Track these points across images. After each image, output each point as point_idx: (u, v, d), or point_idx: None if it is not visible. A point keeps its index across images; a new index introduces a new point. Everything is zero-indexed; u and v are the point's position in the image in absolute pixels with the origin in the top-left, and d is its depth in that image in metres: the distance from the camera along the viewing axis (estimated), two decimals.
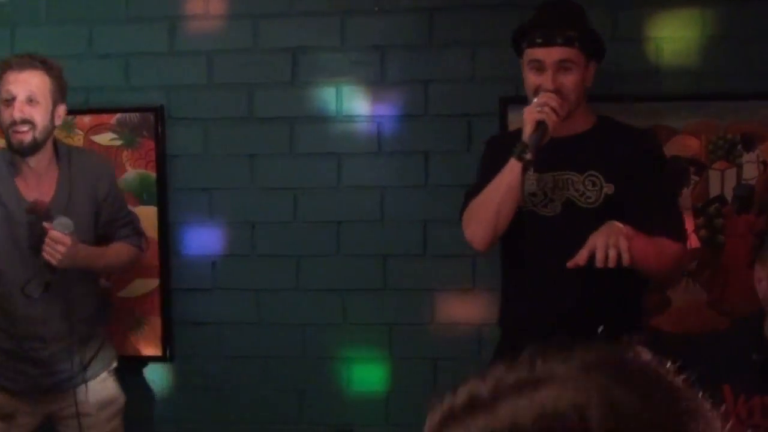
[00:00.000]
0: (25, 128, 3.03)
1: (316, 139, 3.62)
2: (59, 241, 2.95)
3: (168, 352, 3.70)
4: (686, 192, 3.40)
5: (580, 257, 2.63)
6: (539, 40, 2.82)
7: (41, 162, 3.14)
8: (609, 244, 2.62)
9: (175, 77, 3.68)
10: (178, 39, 3.69)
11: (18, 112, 3.01)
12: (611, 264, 2.61)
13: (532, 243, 2.95)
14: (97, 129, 3.63)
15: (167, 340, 3.69)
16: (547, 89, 2.78)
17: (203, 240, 3.68)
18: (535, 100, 2.78)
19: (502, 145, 2.98)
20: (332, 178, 3.59)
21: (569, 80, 2.80)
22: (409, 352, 3.58)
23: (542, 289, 2.90)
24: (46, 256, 2.95)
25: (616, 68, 3.43)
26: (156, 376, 3.74)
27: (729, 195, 3.40)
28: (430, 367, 3.54)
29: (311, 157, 3.62)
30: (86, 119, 3.68)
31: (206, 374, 3.70)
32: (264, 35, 3.64)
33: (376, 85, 3.58)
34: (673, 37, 3.44)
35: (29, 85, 3.06)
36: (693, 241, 3.38)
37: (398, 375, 3.60)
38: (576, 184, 2.90)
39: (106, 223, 3.28)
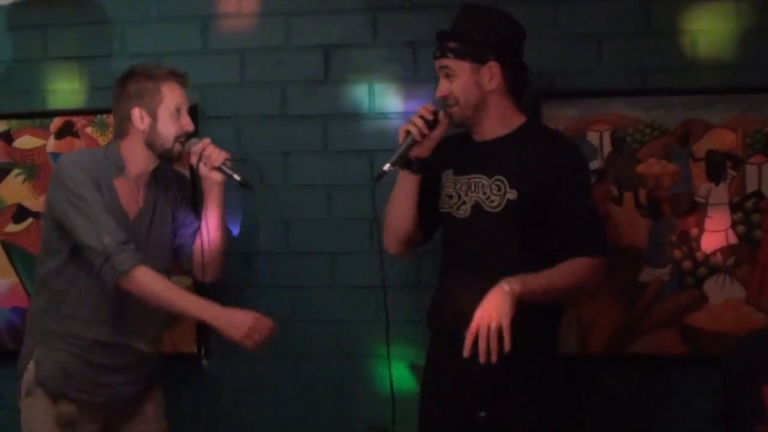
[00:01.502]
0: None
1: (348, 136, 3.62)
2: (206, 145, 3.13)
3: (203, 349, 3.73)
4: (722, 186, 3.37)
5: (466, 348, 2.68)
6: (434, 54, 3.04)
7: (148, 172, 3.17)
8: (489, 331, 2.64)
9: (208, 76, 3.69)
10: (211, 38, 3.71)
11: (191, 125, 3.14)
12: (493, 357, 2.65)
13: (449, 244, 3.13)
14: None
15: (202, 337, 3.71)
16: (438, 96, 3.01)
17: (237, 238, 3.69)
18: None
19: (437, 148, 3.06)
20: (365, 175, 3.58)
21: (454, 86, 2.97)
22: None
23: (457, 290, 2.96)
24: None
25: (651, 62, 3.41)
26: (191, 373, 3.75)
27: (766, 190, 3.36)
28: None
29: (344, 154, 3.63)
30: None
31: (241, 372, 3.71)
32: (296, 33, 3.65)
33: (408, 81, 3.58)
34: (709, 30, 3.41)
35: (187, 99, 3.17)
36: (730, 237, 3.36)
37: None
38: (484, 187, 2.97)
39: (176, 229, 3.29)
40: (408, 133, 2.95)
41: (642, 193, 3.41)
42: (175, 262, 3.31)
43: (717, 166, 3.37)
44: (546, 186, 2.90)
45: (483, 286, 2.76)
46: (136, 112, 3.07)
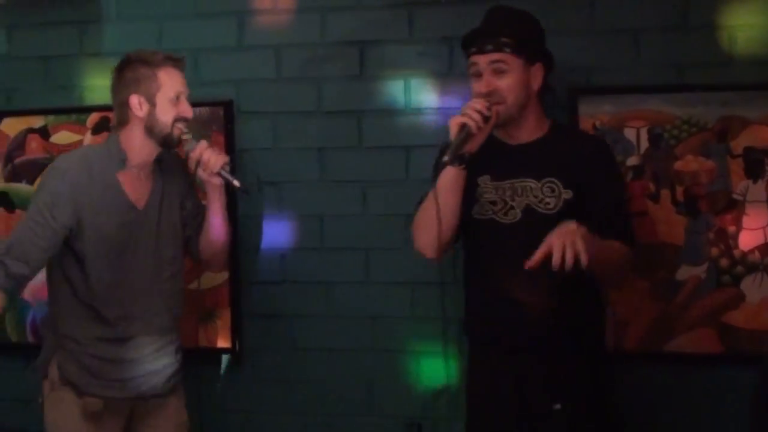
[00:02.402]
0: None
1: (384, 131, 3.62)
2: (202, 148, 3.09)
3: (238, 344, 3.74)
4: (760, 184, 3.34)
5: (534, 258, 2.63)
6: (474, 49, 2.96)
7: (151, 160, 3.16)
8: (566, 245, 2.60)
9: (244, 72, 3.71)
10: (247, 33, 3.71)
11: (190, 111, 3.11)
12: (568, 265, 2.59)
13: (493, 251, 3.00)
14: None
15: (237, 332, 3.73)
16: (481, 92, 2.90)
17: (272, 233, 3.70)
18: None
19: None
20: (400, 171, 3.59)
21: (503, 83, 2.90)
22: None
23: (506, 297, 2.93)
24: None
25: (688, 57, 3.39)
26: (226, 368, 3.77)
27: None
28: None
29: (379, 150, 3.62)
30: None
31: (276, 366, 3.73)
32: (331, 29, 3.65)
33: (443, 76, 3.57)
34: (747, 25, 3.37)
35: (185, 85, 3.14)
36: None
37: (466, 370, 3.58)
38: (534, 190, 2.95)
39: (186, 219, 3.29)
40: (462, 126, 2.82)
41: (679, 190, 3.38)
42: (187, 253, 3.32)
43: (755, 162, 3.34)
44: (592, 183, 2.91)
45: (541, 288, 2.79)
46: (135, 99, 3.04)
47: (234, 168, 3.17)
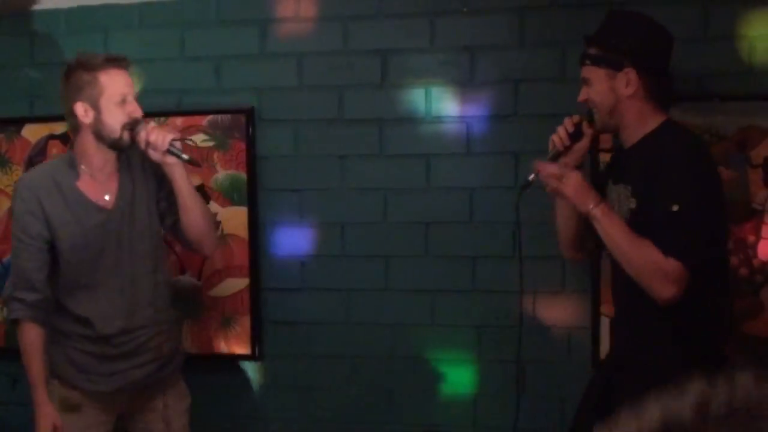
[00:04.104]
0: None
1: (405, 140, 3.63)
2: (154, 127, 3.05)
3: (257, 350, 3.75)
4: None
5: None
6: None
7: (110, 161, 3.12)
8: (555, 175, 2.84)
9: (266, 79, 3.73)
10: (269, 41, 3.73)
11: (139, 111, 3.06)
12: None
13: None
14: (189, 130, 3.68)
15: (257, 339, 3.74)
16: (579, 101, 3.01)
17: (293, 240, 3.72)
18: None
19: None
20: (421, 179, 3.60)
21: (591, 92, 2.96)
22: (497, 354, 3.56)
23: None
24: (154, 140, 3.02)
25: (708, 67, 3.40)
26: (245, 374, 3.78)
27: None
28: (518, 370, 3.52)
29: (400, 158, 3.63)
30: (178, 121, 3.75)
31: (295, 373, 3.74)
32: (353, 37, 3.67)
33: (465, 85, 3.58)
34: (767, 35, 3.38)
35: (131, 85, 3.08)
36: None
37: (486, 377, 3.60)
38: (621, 196, 2.94)
39: (166, 208, 3.24)
40: (552, 143, 3.01)
41: None
42: (178, 241, 3.32)
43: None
44: (647, 191, 2.80)
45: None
46: (80, 107, 3.00)
47: (179, 146, 3.07)
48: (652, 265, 2.71)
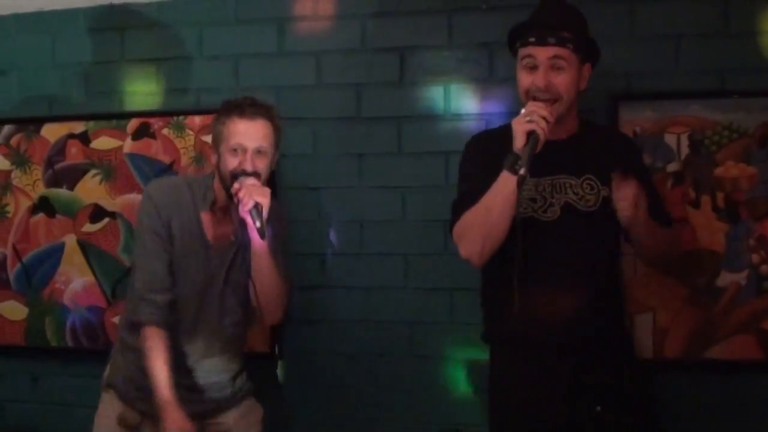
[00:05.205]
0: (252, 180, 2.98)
1: (423, 137, 3.63)
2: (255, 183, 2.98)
3: (277, 349, 3.75)
4: None
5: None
6: (532, 39, 2.85)
7: (228, 203, 3.11)
8: (638, 196, 2.77)
9: (284, 78, 3.73)
10: (287, 40, 3.74)
11: (250, 165, 2.98)
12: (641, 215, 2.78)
13: (531, 249, 2.82)
14: (207, 129, 3.67)
15: (276, 337, 3.74)
16: (538, 86, 2.80)
17: (312, 238, 3.71)
18: (524, 110, 2.78)
19: (488, 146, 2.99)
20: (440, 177, 3.59)
21: (561, 79, 2.83)
22: None
23: (542, 296, 2.84)
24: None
25: (729, 63, 3.38)
26: (265, 373, 3.77)
27: None
28: None
29: (419, 155, 3.63)
30: (197, 120, 3.77)
31: (315, 371, 3.74)
32: (371, 35, 3.67)
33: (483, 82, 3.58)
34: None
35: (260, 137, 3.02)
36: None
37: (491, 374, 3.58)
38: (574, 187, 2.91)
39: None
40: (530, 134, 2.71)
41: (720, 196, 3.37)
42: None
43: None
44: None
45: (576, 289, 2.78)
46: (209, 148, 3.15)
47: (260, 211, 2.92)
48: (673, 239, 3.10)
